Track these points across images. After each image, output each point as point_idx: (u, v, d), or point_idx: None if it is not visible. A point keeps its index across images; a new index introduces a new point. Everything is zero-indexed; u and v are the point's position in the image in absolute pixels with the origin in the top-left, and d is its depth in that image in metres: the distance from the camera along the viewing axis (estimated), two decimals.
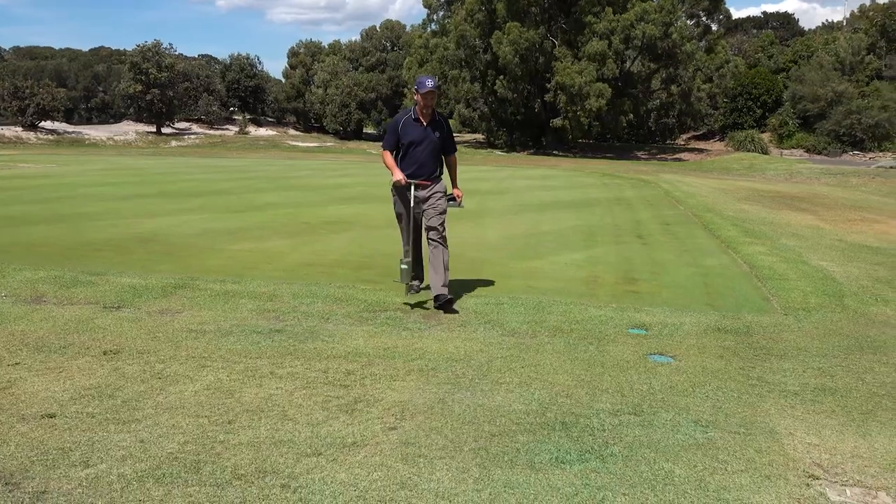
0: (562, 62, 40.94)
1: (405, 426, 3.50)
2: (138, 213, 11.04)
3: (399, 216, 5.82)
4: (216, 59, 68.22)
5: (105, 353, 4.40)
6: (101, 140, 48.31)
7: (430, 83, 5.52)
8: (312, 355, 4.49)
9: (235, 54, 62.36)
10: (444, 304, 5.53)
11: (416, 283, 5.98)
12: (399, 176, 5.56)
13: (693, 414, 3.76)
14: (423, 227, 5.81)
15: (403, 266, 5.66)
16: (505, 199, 15.44)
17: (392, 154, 5.73)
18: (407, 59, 49.84)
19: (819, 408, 3.94)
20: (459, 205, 5.97)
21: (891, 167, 32.74)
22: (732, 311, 5.97)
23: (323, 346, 4.66)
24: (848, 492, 3.02)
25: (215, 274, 6.71)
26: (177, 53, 54.05)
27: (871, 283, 7.24)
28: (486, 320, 5.32)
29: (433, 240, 5.71)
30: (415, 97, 5.65)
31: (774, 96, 49.97)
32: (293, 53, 61.57)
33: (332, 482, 2.93)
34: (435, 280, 5.64)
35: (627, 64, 44.29)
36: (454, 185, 5.93)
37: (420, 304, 5.74)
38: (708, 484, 3.02)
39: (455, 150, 5.84)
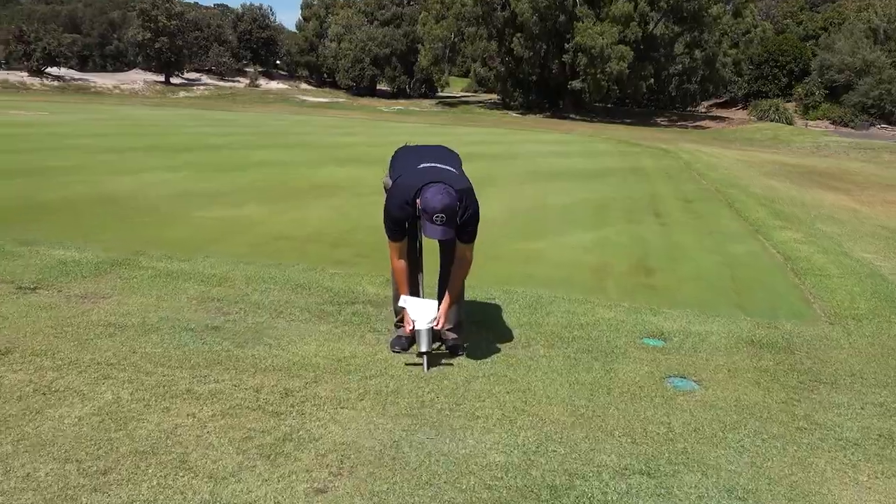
0: (583, 22, 39.32)
1: (339, 487, 2.61)
2: (115, 170, 10.15)
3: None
4: (230, 8, 66.64)
5: None
6: (108, 88, 47.29)
7: (438, 222, 3.57)
8: (247, 366, 3.61)
9: (248, 4, 60.75)
10: (452, 348, 4.05)
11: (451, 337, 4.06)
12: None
13: (725, 477, 2.85)
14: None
15: (421, 329, 3.73)
16: (514, 165, 14.42)
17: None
18: (422, 14, 48.20)
19: (890, 468, 3.02)
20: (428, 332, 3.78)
21: None
22: (767, 316, 5.02)
23: (263, 354, 3.77)
24: None
25: (168, 248, 5.82)
26: (189, 1, 52.64)
27: None
28: (472, 321, 4.40)
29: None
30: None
31: (802, 65, 48.08)
32: (307, 5, 59.89)
33: None
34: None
35: (651, 26, 42.51)
36: (448, 301, 3.88)
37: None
38: None
39: (470, 240, 3.81)
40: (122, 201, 7.79)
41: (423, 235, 3.73)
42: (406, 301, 3.79)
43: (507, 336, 4.27)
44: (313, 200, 8.54)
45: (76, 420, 2.97)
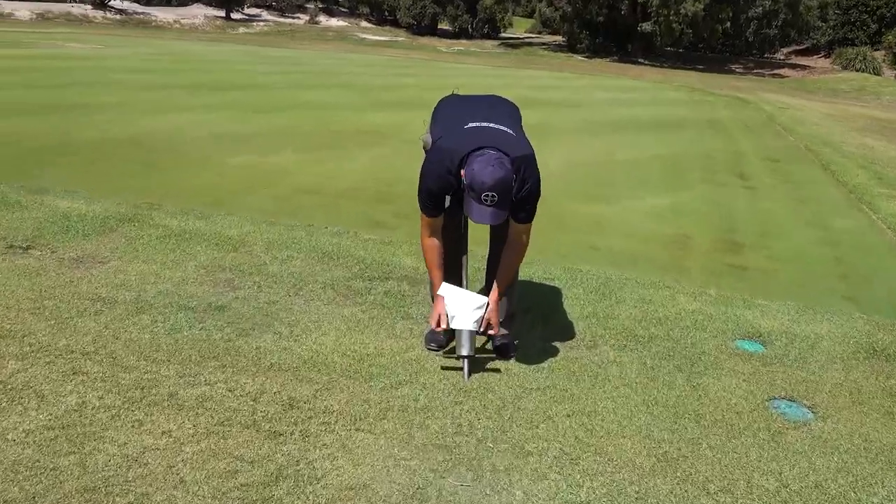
0: None
1: None
2: (152, 108, 9.57)
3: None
4: None
5: None
6: (168, 23, 47.05)
7: (487, 203, 2.75)
8: (248, 362, 2.95)
9: None
10: (501, 349, 3.25)
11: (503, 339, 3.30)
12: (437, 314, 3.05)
13: None
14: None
15: (463, 330, 3.01)
16: (577, 113, 13.36)
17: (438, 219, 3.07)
18: None
19: None
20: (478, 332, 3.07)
21: None
22: (888, 313, 4.13)
23: (270, 346, 3.10)
24: None
25: (188, 200, 5.19)
26: None
27: None
28: (525, 308, 3.64)
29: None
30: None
31: (894, 10, 44.43)
32: None
33: None
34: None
35: None
36: (497, 294, 3.11)
37: None
38: None
39: (527, 220, 3.02)
40: (152, 143, 7.20)
41: (469, 216, 2.91)
42: (446, 291, 3.05)
43: (567, 332, 3.51)
44: (355, 148, 7.81)
45: (23, 435, 2.36)
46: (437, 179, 2.92)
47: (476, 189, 2.71)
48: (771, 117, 14.65)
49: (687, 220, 5.91)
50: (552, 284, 4.13)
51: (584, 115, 13.19)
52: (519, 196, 2.87)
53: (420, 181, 3.00)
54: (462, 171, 2.82)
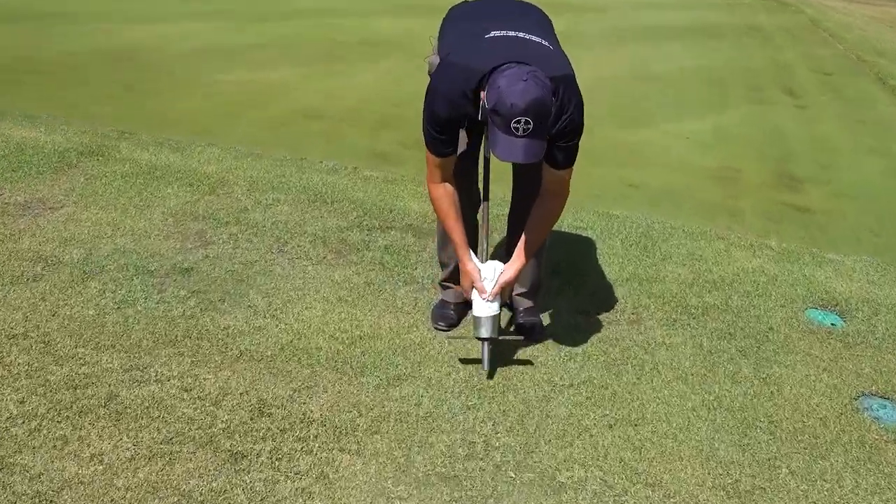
0: None
1: None
2: (137, 17, 8.63)
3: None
4: None
5: None
6: None
7: (519, 133, 2.02)
8: (214, 348, 2.39)
9: None
10: (526, 328, 2.68)
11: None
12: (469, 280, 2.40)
13: None
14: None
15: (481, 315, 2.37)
16: (604, 19, 12.26)
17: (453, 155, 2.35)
18: None
19: None
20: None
21: None
22: None
23: (241, 325, 2.53)
24: None
25: (165, 127, 4.52)
26: None
27: None
28: (552, 267, 3.03)
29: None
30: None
31: None
32: None
33: None
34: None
35: None
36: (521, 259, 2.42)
37: None
38: None
39: (566, 163, 2.29)
40: (134, 59, 6.44)
41: (490, 153, 2.24)
42: (489, 268, 2.40)
43: (604, 301, 2.91)
44: (360, 62, 7.01)
45: None
46: (448, 106, 2.21)
47: (503, 114, 2.00)
48: (814, 21, 13.46)
49: (734, 148, 5.18)
50: (584, 235, 3.50)
51: (611, 20, 12.10)
52: (557, 129, 2.16)
53: (425, 109, 2.28)
54: (483, 94, 2.13)
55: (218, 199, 3.51)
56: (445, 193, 2.38)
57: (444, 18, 2.60)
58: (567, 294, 2.94)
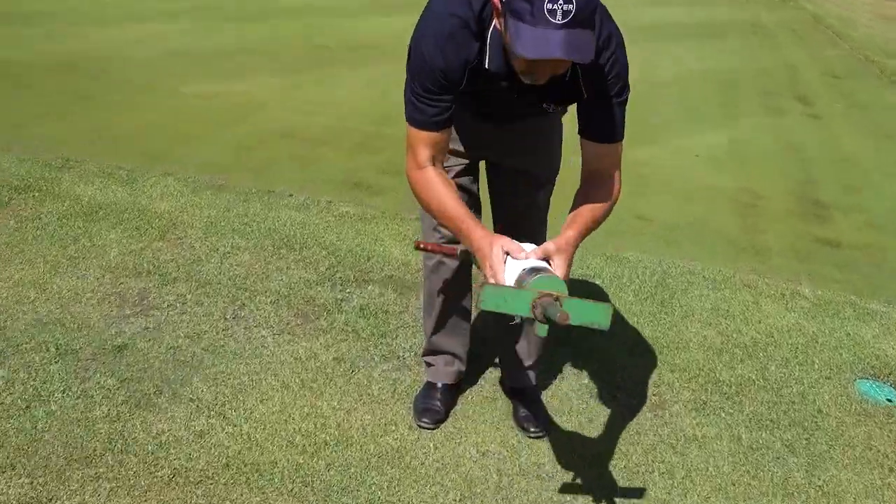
0: None
1: None
2: (98, 17, 7.99)
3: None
4: None
5: None
6: None
7: (558, 18, 1.30)
8: (140, 468, 1.90)
9: None
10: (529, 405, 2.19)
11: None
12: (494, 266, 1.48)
13: None
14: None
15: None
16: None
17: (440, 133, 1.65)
18: None
19: None
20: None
21: None
22: None
23: (179, 430, 2.04)
24: None
25: (116, 151, 4.04)
26: None
27: None
28: (556, 336, 2.55)
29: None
30: (498, 23, 1.48)
31: None
32: None
33: None
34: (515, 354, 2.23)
35: None
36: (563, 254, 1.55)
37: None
38: None
39: (614, 136, 1.67)
40: (91, 67, 5.91)
41: (516, 51, 1.37)
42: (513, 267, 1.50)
43: (621, 379, 2.44)
44: (343, 69, 6.51)
45: None
46: (444, 44, 1.54)
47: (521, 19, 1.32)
48: (817, 18, 13.02)
49: (753, 168, 4.72)
50: (591, 284, 3.03)
51: (614, 17, 11.61)
52: (599, 72, 1.56)
53: (410, 60, 1.63)
54: (495, 19, 1.50)
55: (168, 246, 3.03)
56: (436, 175, 1.64)
57: None
58: (573, 366, 2.48)
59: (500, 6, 1.40)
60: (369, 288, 2.86)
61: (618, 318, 2.80)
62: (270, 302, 2.70)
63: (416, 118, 1.63)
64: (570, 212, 1.66)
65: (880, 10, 15.98)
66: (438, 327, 2.15)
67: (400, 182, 3.70)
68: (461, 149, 1.93)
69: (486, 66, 1.57)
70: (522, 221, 1.98)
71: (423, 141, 1.63)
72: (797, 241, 3.69)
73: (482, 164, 2.05)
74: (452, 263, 2.01)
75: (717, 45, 8.98)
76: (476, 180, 2.02)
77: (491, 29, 1.53)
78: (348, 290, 2.83)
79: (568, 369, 2.46)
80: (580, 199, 1.66)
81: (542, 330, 1.33)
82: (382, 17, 9.43)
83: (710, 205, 4.06)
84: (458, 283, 2.05)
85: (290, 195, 3.63)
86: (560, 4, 1.29)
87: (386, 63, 6.76)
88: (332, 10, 9.84)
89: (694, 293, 3.02)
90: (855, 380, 2.56)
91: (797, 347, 2.70)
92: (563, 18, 1.30)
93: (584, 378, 2.43)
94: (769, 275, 3.26)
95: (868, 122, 6.10)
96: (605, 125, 1.64)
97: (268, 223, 3.30)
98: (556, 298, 1.31)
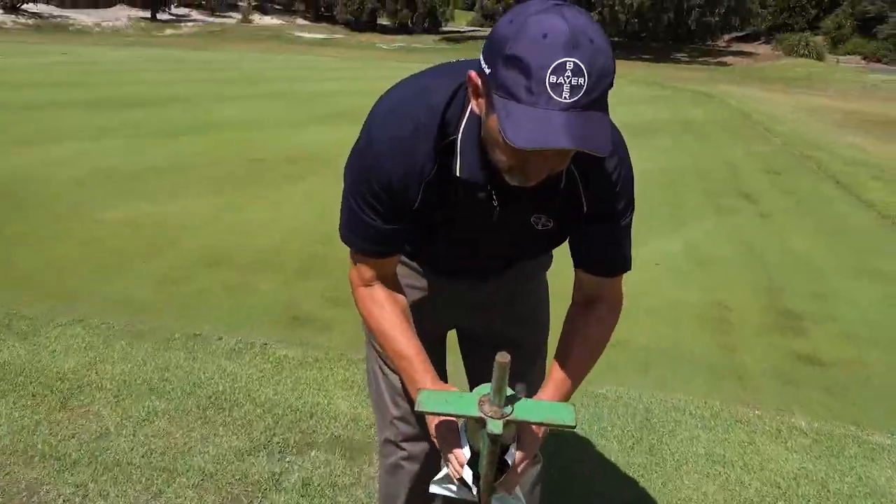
0: None
1: None
2: (25, 136, 7.69)
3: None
4: None
5: None
6: (89, 26, 44.22)
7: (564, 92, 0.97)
8: None
9: None
10: None
11: None
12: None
13: None
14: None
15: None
16: None
17: (385, 260, 1.37)
18: None
19: None
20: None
21: None
22: None
23: None
24: None
25: (22, 292, 3.57)
26: None
27: None
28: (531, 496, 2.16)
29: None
30: (479, 108, 1.10)
31: None
32: None
33: None
34: None
35: None
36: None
37: None
38: None
39: (623, 268, 1.36)
40: (8, 191, 5.48)
41: (507, 136, 0.99)
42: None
43: None
44: (280, 184, 6.21)
45: None
46: (391, 144, 1.22)
47: (529, 56, 0.97)
48: (744, 114, 13.51)
49: (715, 277, 4.52)
50: (568, 431, 2.66)
51: None
52: (605, 175, 1.24)
53: (350, 168, 1.29)
54: (458, 123, 1.19)
55: (69, 418, 2.55)
56: (385, 299, 1.35)
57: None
58: None
59: (480, 82, 1.06)
60: (313, 454, 2.43)
61: (605, 473, 2.43)
62: (193, 485, 2.24)
63: (356, 242, 1.32)
64: (556, 353, 1.38)
65: (802, 104, 16.82)
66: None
67: (348, 313, 3.35)
68: (420, 318, 1.45)
69: (457, 172, 1.19)
70: None
71: (366, 263, 1.35)
72: (778, 360, 3.42)
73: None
74: (412, 466, 1.62)
75: (649, 144, 9.04)
76: (442, 355, 1.64)
77: (463, 124, 1.18)
78: (288, 460, 2.39)
79: None
80: (581, 328, 1.37)
81: (494, 426, 1.08)
82: (316, 128, 9.32)
83: (681, 323, 3.79)
84: (423, 485, 1.65)
85: (220, 338, 3.21)
86: (567, 77, 0.96)
87: (321, 175, 6.52)
88: (267, 123, 9.66)
89: (683, 435, 2.68)
90: None
91: (809, 500, 2.36)
92: (571, 96, 0.96)
93: None
94: (758, 406, 2.96)
95: (814, 219, 6.06)
96: (613, 253, 1.33)
97: (192, 377, 2.85)
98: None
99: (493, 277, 1.51)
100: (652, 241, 5.10)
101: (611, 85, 1.01)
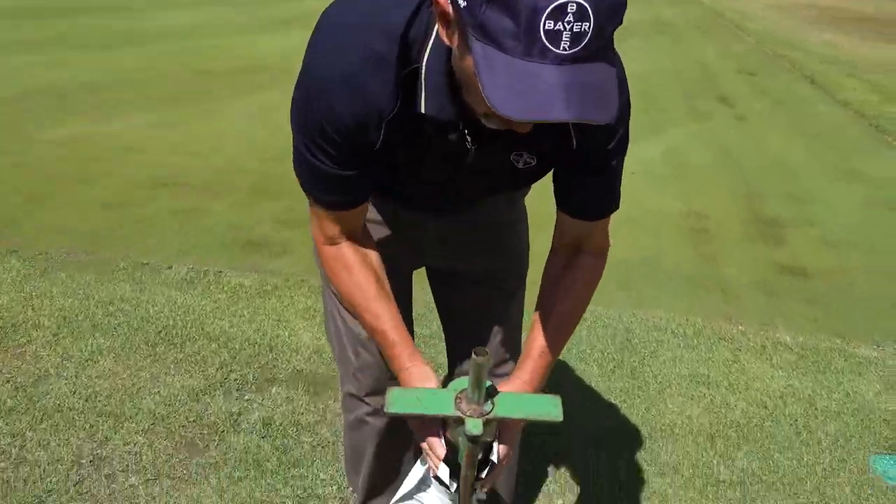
0: None
1: None
2: None
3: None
4: None
5: None
6: None
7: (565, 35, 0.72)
8: None
9: None
10: None
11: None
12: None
13: None
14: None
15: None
16: None
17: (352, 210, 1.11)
18: None
19: None
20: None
21: None
22: None
23: None
24: None
25: None
26: None
27: None
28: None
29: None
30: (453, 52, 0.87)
31: None
32: None
33: None
34: None
35: None
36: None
37: None
38: None
39: (614, 207, 1.14)
40: None
41: (488, 99, 0.74)
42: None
43: (597, 486, 1.93)
44: (231, 96, 5.82)
45: None
46: (343, 79, 0.95)
47: None
48: (717, 13, 13.12)
49: (693, 184, 4.35)
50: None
51: None
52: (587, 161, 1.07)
53: (297, 109, 1.03)
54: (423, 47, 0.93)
55: (3, 360, 2.32)
56: (353, 258, 1.14)
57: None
58: (537, 477, 1.95)
59: (450, 10, 0.80)
60: (273, 391, 2.25)
61: (585, 401, 2.31)
62: (143, 430, 2.05)
63: (314, 192, 1.08)
64: (536, 309, 1.17)
65: (772, 3, 16.39)
66: (373, 491, 1.56)
67: (305, 235, 3.11)
68: (385, 255, 1.20)
69: (422, 109, 0.96)
70: (489, 346, 1.42)
71: (328, 217, 1.11)
72: (759, 271, 3.30)
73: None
74: (377, 422, 1.43)
75: (624, 47, 8.69)
76: (408, 292, 1.43)
77: (428, 49, 0.93)
78: (247, 398, 2.22)
79: (529, 480, 1.94)
80: (567, 277, 1.16)
81: (474, 426, 0.93)
82: (275, 34, 8.76)
83: (661, 233, 3.63)
84: (391, 439, 1.47)
85: (169, 267, 2.97)
86: (568, 22, 0.71)
87: (274, 87, 6.14)
88: (215, 30, 9.08)
89: (666, 356, 2.56)
90: (870, 454, 2.14)
91: (797, 420, 2.27)
92: (572, 46, 0.72)
93: (550, 485, 1.91)
94: (741, 321, 2.84)
95: (791, 120, 5.89)
96: (605, 194, 1.11)
97: (139, 311, 2.63)
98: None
99: (464, 209, 1.28)
100: (634, 143, 4.87)
101: (620, 22, 0.77)
